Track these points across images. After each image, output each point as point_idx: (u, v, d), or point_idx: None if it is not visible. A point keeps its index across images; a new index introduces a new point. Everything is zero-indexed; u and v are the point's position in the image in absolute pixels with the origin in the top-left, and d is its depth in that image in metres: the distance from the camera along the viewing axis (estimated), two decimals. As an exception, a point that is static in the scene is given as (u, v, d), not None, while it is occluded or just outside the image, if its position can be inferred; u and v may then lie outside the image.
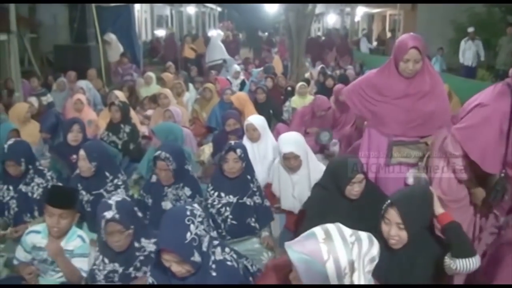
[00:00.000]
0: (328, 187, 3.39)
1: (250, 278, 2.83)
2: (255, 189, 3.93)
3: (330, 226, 1.98)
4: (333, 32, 22.27)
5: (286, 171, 4.19)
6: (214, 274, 2.40)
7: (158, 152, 3.88)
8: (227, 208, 3.85)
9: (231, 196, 3.85)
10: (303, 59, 12.01)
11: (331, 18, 28.27)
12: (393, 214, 2.54)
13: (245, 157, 3.86)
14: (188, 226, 2.30)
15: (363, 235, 1.96)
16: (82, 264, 3.15)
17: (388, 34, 21.34)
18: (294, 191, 4.17)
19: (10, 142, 4.09)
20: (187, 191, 4.01)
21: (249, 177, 3.92)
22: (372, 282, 2.03)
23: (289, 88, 9.36)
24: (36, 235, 3.22)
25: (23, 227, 3.60)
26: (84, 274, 3.14)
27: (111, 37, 12.53)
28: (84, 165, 3.95)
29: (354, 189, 3.22)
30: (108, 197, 3.01)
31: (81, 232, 3.29)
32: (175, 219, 2.35)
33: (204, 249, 2.38)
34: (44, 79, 10.53)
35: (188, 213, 2.34)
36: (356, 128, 5.85)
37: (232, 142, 4.02)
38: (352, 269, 1.88)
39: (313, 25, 22.45)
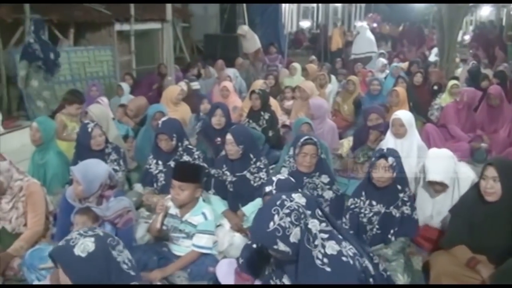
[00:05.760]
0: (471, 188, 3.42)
1: (371, 279, 2.60)
2: (406, 199, 3.66)
3: None
4: (487, 25, 20.70)
5: (428, 191, 3.98)
6: (328, 269, 2.36)
7: (307, 136, 3.99)
8: (376, 217, 3.66)
9: (381, 205, 3.64)
10: (454, 55, 11.13)
11: (485, 10, 26.36)
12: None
13: (397, 166, 3.57)
14: (273, 216, 2.34)
15: None
16: (204, 241, 3.39)
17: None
18: (434, 211, 3.94)
19: (164, 118, 4.51)
20: (324, 178, 4.04)
21: (399, 187, 3.64)
22: None
23: (435, 87, 8.85)
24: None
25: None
26: (205, 251, 3.39)
27: (245, 29, 12.60)
28: (232, 149, 4.14)
29: (487, 185, 3.10)
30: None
31: (207, 209, 3.51)
32: (264, 208, 2.45)
33: (295, 241, 2.35)
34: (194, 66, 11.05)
35: (278, 202, 2.38)
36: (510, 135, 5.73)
37: (385, 148, 3.78)
38: None
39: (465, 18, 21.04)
